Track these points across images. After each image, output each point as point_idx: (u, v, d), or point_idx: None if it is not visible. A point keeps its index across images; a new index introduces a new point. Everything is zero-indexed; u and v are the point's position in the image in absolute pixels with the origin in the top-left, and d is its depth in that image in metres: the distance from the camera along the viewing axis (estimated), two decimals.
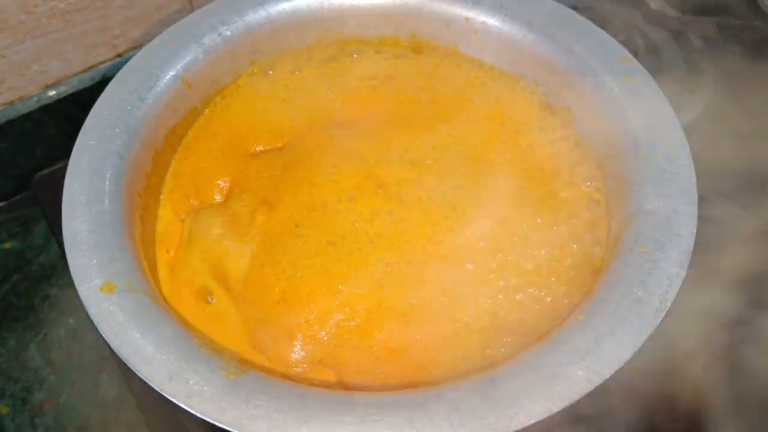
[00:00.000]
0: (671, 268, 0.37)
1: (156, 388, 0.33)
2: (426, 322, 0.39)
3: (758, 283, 0.43)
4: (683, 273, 0.37)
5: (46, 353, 0.51)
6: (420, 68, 0.51)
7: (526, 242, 0.41)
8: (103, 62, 0.58)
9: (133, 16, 0.56)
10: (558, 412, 0.32)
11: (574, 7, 0.49)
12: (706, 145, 0.42)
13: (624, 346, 0.34)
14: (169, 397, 0.33)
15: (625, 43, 0.47)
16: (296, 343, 0.39)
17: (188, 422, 0.43)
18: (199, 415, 0.33)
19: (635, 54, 0.46)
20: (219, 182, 0.46)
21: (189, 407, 0.33)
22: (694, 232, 0.38)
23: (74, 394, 0.49)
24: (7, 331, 0.52)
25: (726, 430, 0.42)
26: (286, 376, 0.38)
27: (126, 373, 0.42)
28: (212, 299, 0.42)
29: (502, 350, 0.38)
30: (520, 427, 0.32)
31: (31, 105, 0.56)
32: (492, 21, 0.49)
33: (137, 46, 0.58)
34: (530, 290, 0.40)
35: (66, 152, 0.42)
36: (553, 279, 0.40)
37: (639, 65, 0.45)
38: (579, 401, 0.33)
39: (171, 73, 0.46)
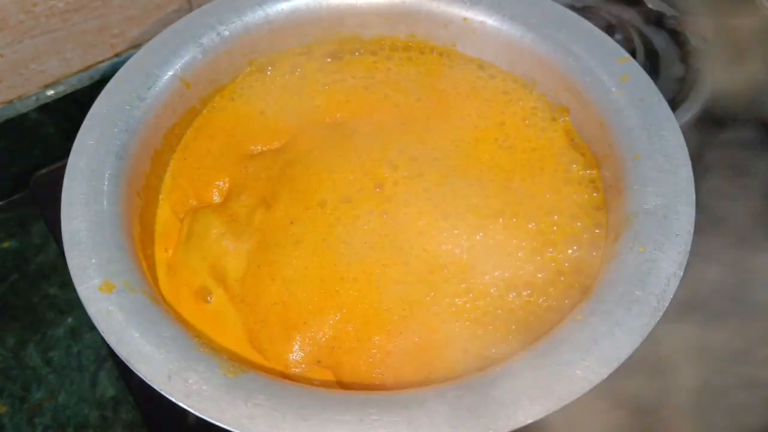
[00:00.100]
0: (669, 267, 0.37)
1: (155, 388, 0.33)
2: (424, 322, 0.39)
3: None
4: (681, 272, 0.37)
5: (44, 352, 0.51)
6: (418, 68, 0.51)
7: (525, 242, 0.41)
8: (102, 62, 0.58)
9: (132, 15, 0.56)
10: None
11: (573, 7, 0.49)
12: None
13: (622, 345, 0.34)
14: (168, 396, 0.33)
15: (623, 43, 0.47)
16: (294, 344, 0.39)
17: (187, 421, 0.43)
18: (198, 414, 0.33)
19: (633, 54, 0.47)
20: (218, 182, 0.46)
21: (188, 406, 0.33)
22: (692, 231, 0.38)
23: (73, 393, 0.49)
24: (6, 330, 0.52)
25: None
26: (285, 376, 0.38)
27: (125, 373, 0.42)
28: (211, 299, 0.42)
29: (502, 350, 0.38)
30: (518, 426, 0.32)
31: (30, 104, 0.56)
32: (490, 21, 0.49)
33: (136, 46, 0.58)
34: (530, 290, 0.40)
35: (65, 152, 0.42)
36: (552, 279, 0.40)
37: (637, 65, 0.45)
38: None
39: (170, 73, 0.46)
